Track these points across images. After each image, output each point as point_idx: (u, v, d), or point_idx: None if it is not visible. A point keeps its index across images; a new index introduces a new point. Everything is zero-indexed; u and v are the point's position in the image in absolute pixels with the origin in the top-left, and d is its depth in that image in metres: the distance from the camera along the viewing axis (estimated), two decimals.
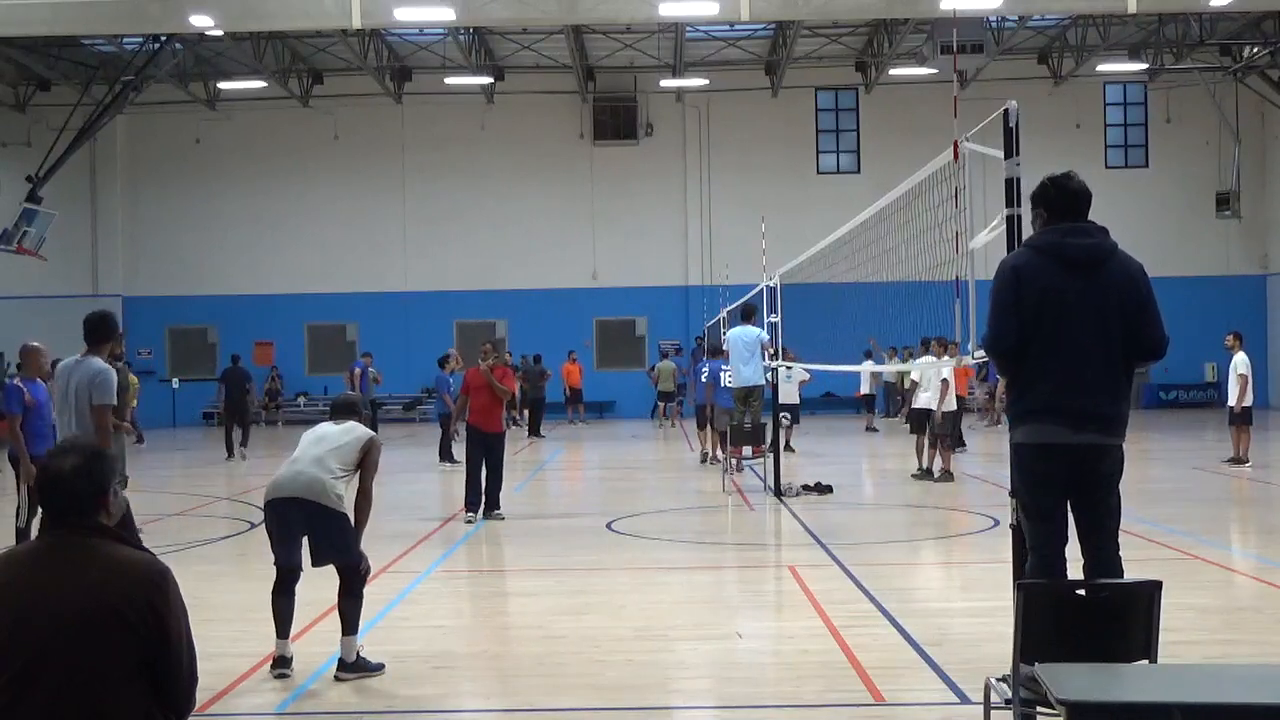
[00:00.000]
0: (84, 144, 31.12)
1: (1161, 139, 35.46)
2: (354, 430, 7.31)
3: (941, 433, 16.95)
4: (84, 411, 7.94)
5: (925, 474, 17.09)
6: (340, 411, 7.57)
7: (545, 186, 35.57)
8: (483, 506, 13.70)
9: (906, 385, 29.95)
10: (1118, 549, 5.62)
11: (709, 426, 19.88)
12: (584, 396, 33.12)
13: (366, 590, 7.22)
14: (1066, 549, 5.60)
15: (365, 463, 7.23)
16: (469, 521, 13.39)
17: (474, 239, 35.57)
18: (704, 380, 19.93)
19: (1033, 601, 4.78)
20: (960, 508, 14.32)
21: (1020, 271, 5.51)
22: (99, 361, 8.00)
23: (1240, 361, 17.68)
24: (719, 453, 19.47)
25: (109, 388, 7.92)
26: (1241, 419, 17.80)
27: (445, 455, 20.68)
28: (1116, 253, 5.58)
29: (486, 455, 13.67)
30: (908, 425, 17.93)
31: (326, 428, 7.37)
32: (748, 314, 17.98)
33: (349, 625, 7.00)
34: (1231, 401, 17.83)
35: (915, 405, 17.43)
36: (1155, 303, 5.58)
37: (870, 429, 27.67)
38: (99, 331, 8.09)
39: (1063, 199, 5.64)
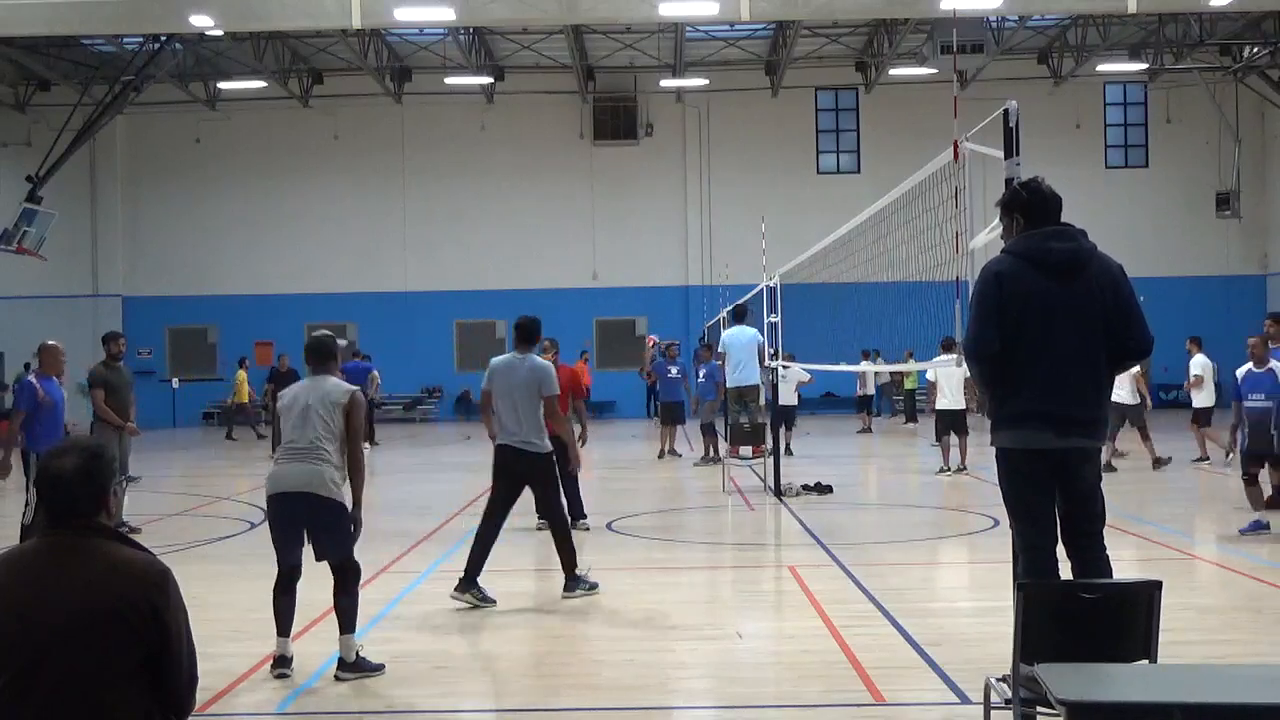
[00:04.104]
0: (84, 144, 31.13)
1: (1161, 139, 35.47)
2: (331, 395, 7.07)
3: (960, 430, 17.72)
4: (533, 402, 9.01)
5: (959, 470, 17.47)
6: (317, 357, 7.29)
7: (545, 186, 35.59)
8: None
9: (909, 386, 30.05)
10: (1105, 550, 5.62)
11: (672, 424, 21.57)
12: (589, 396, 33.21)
13: (367, 590, 7.23)
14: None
15: (350, 427, 7.06)
16: (540, 529, 12.40)
17: (474, 239, 35.60)
18: (672, 376, 21.57)
19: (1033, 601, 4.78)
20: (960, 508, 14.32)
21: (1002, 277, 5.48)
22: (536, 358, 9.23)
23: (1196, 363, 18.46)
24: (669, 446, 21.38)
25: (553, 380, 9.14)
26: (1201, 419, 18.61)
27: None
28: (1097, 255, 5.57)
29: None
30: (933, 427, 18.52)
31: (306, 399, 7.09)
32: (740, 314, 18.01)
33: (347, 624, 7.00)
34: (1197, 403, 18.63)
35: (939, 407, 17.80)
36: (1138, 303, 5.59)
37: (863, 430, 27.58)
38: (530, 331, 9.29)
39: (1041, 203, 5.61)
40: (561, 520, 9.35)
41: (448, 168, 35.65)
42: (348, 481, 7.09)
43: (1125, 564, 8.88)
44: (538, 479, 9.19)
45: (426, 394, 36.16)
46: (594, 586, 9.28)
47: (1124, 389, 17.61)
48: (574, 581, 9.23)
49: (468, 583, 8.87)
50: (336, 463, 7.01)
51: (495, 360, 9.48)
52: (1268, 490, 12.27)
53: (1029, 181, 5.71)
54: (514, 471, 9.14)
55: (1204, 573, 10.15)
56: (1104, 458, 17.03)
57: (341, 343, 7.47)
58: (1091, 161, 34.84)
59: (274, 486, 7.08)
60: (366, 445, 25.91)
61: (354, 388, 7.20)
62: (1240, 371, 12.66)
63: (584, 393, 13.36)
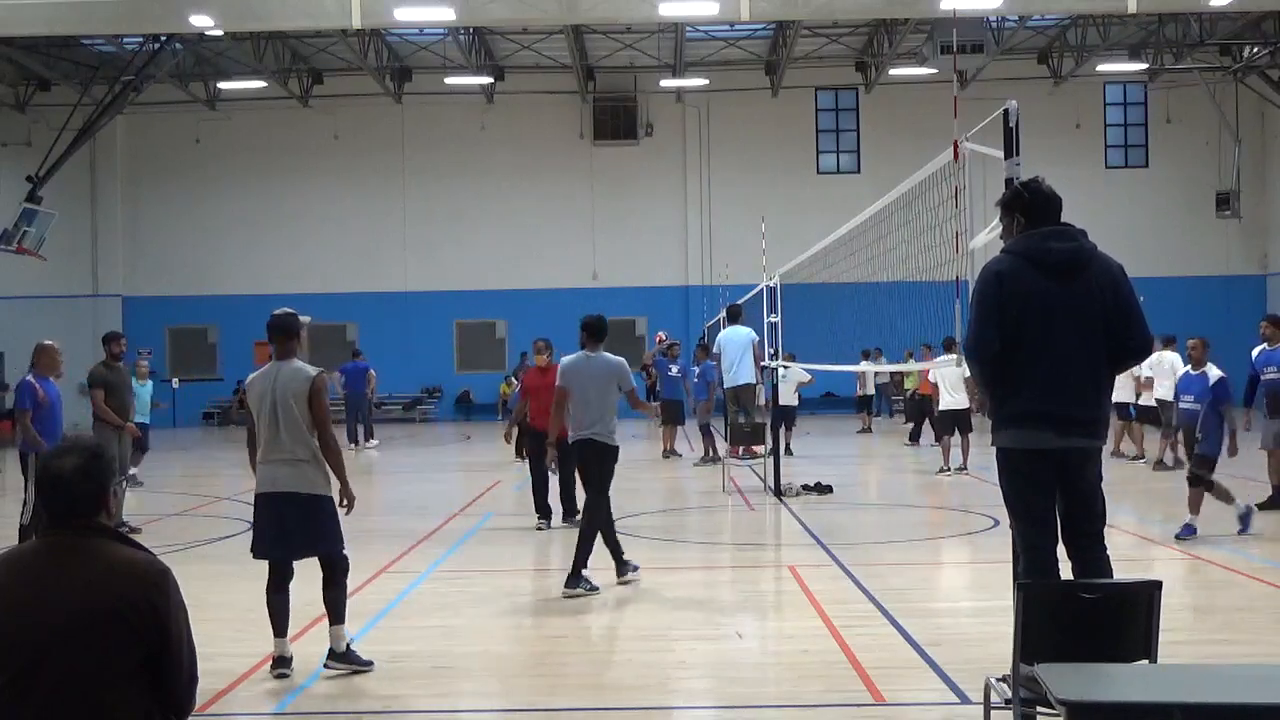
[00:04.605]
0: (84, 144, 31.09)
1: (1161, 139, 35.45)
2: (293, 387, 7.00)
3: (964, 429, 17.80)
4: (609, 396, 9.52)
5: (959, 470, 17.55)
6: (281, 336, 7.19)
7: (545, 186, 35.57)
8: (560, 514, 12.97)
9: (908, 386, 30.02)
10: (1105, 549, 5.62)
11: (672, 424, 21.71)
12: None
13: (366, 590, 7.23)
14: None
15: (315, 412, 7.02)
16: (540, 528, 12.79)
17: (474, 239, 35.58)
18: (672, 375, 21.63)
19: (1032, 601, 4.78)
20: (960, 508, 14.32)
21: (1003, 277, 5.48)
22: (608, 355, 9.71)
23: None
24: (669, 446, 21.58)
25: (629, 374, 9.80)
26: (1144, 417, 19.02)
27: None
28: (1097, 255, 5.57)
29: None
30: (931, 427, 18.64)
31: (271, 392, 7.01)
32: (734, 315, 18.02)
33: (336, 616, 7.07)
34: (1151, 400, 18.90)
35: (942, 407, 17.86)
36: (1138, 304, 5.59)
37: (863, 430, 27.55)
38: (599, 329, 9.75)
39: (1042, 203, 5.60)
40: (599, 516, 9.55)
41: (448, 168, 35.63)
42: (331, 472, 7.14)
43: (1126, 564, 8.86)
44: (598, 468, 9.54)
45: (426, 394, 36.15)
46: (595, 588, 9.28)
47: (1164, 386, 17.74)
48: (578, 580, 9.26)
49: (621, 564, 9.65)
50: (317, 458, 7.04)
51: (566, 360, 9.78)
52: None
53: (1030, 181, 5.71)
54: (589, 461, 9.54)
55: (1204, 573, 10.15)
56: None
57: (305, 319, 7.38)
58: (1091, 161, 34.82)
59: (261, 486, 7.12)
60: (374, 442, 25.97)
61: (315, 372, 7.14)
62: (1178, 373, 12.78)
63: None
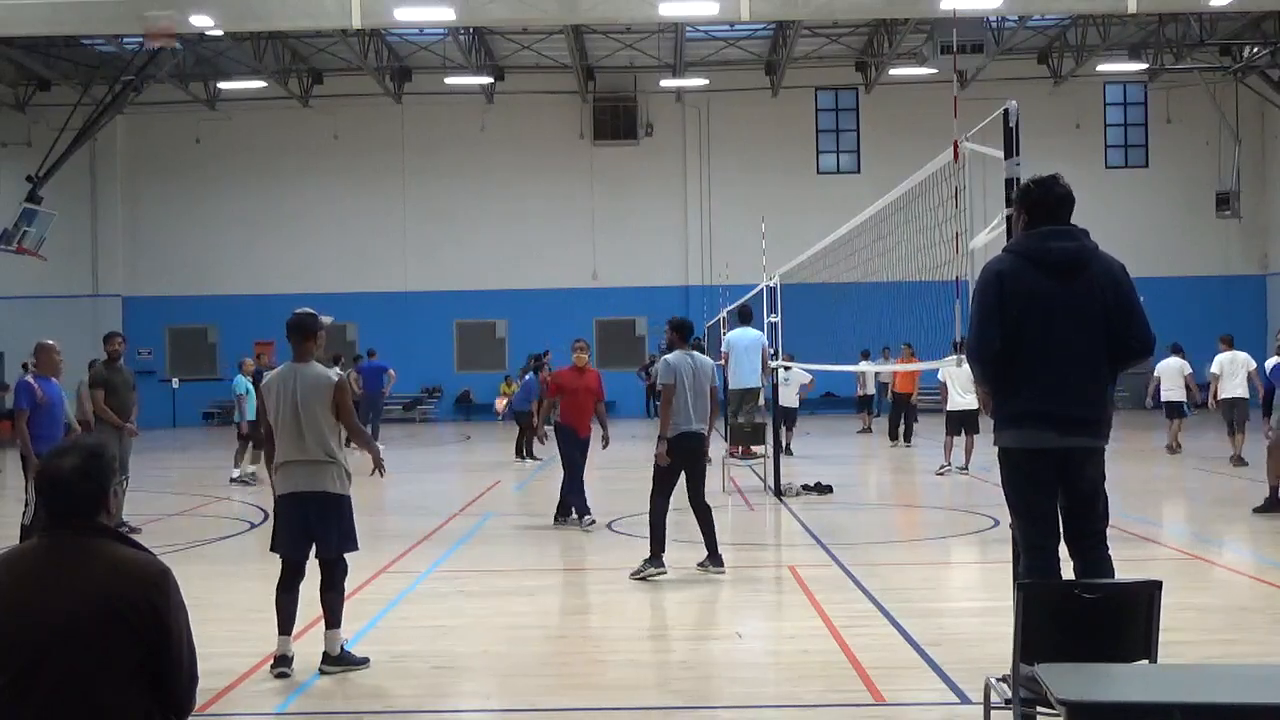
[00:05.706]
0: (84, 144, 31.15)
1: (1161, 139, 35.47)
2: (315, 391, 7.03)
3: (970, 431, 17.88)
4: (708, 390, 10.00)
5: (960, 470, 17.57)
6: (299, 335, 7.20)
7: (545, 186, 35.59)
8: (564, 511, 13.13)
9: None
10: (1107, 550, 5.61)
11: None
12: None
13: (366, 590, 7.23)
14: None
15: (340, 409, 7.09)
16: (588, 528, 12.75)
17: (474, 239, 35.60)
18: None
19: (1033, 601, 4.78)
20: (960, 508, 14.32)
21: (1003, 276, 5.46)
22: (700, 354, 10.31)
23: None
24: None
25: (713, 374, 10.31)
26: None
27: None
28: (1098, 254, 5.55)
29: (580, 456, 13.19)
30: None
31: (292, 396, 7.03)
32: (745, 316, 17.96)
33: (334, 619, 7.07)
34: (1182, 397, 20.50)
35: (951, 408, 17.83)
36: (1139, 302, 5.57)
37: (863, 430, 27.53)
38: (690, 330, 10.40)
39: (1047, 201, 5.57)
40: (706, 504, 10.17)
41: (448, 168, 35.65)
42: (349, 475, 7.19)
43: (1127, 564, 8.85)
44: (701, 462, 10.13)
45: (426, 394, 36.16)
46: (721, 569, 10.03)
47: (1240, 382, 18.21)
48: (718, 560, 10.05)
49: (656, 559, 9.91)
50: (337, 459, 7.06)
51: (673, 359, 10.09)
52: None
53: (1045, 178, 5.64)
54: (688, 457, 9.98)
55: (1204, 573, 10.15)
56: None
57: (326, 319, 7.38)
58: (1091, 161, 34.82)
59: (283, 486, 7.11)
60: (381, 447, 26.05)
61: (336, 375, 7.20)
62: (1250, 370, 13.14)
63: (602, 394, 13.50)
